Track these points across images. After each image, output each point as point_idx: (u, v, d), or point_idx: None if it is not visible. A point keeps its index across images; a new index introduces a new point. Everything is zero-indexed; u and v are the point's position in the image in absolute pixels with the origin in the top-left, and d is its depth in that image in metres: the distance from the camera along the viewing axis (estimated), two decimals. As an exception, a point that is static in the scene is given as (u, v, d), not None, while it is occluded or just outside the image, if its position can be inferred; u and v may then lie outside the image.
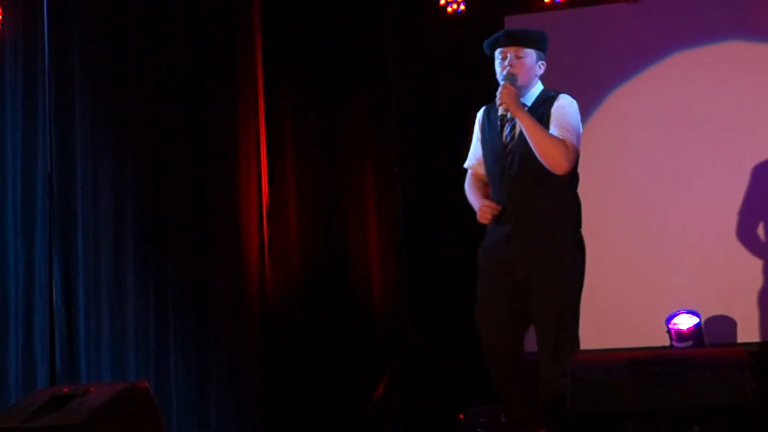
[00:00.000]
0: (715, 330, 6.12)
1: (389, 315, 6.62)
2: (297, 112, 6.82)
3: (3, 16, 6.67)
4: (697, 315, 5.96)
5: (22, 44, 6.63)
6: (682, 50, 6.45)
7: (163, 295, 6.42)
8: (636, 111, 6.49)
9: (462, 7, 6.68)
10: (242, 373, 6.36)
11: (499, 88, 4.39)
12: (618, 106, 6.53)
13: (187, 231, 6.46)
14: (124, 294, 6.43)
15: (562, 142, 4.32)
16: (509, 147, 4.41)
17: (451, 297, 6.47)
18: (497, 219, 4.41)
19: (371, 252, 6.75)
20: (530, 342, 4.51)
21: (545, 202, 4.37)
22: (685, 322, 5.94)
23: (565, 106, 4.41)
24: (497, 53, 4.48)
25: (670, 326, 5.95)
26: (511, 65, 4.42)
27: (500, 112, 4.38)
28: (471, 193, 4.60)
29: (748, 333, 6.16)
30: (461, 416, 5.79)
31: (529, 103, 4.44)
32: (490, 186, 4.53)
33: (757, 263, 6.19)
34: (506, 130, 4.43)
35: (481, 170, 4.58)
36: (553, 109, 4.40)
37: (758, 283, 6.18)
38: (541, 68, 4.51)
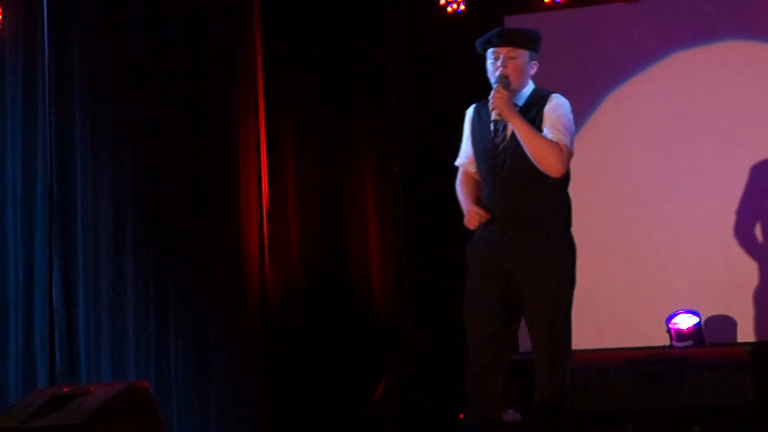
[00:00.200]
0: (715, 330, 6.12)
1: (389, 315, 6.62)
2: (297, 112, 6.82)
3: (3, 16, 6.67)
4: (697, 315, 5.96)
5: (22, 44, 6.63)
6: (682, 50, 6.45)
7: (163, 295, 6.42)
8: (635, 111, 6.49)
9: (462, 7, 6.68)
10: (242, 373, 6.36)
11: (492, 92, 4.36)
12: (617, 106, 6.53)
13: (187, 231, 6.46)
14: (124, 294, 6.43)
15: (556, 145, 4.30)
16: (501, 147, 4.39)
17: (450, 297, 6.44)
18: (491, 218, 4.38)
19: (371, 252, 6.75)
20: (524, 343, 4.50)
21: (537, 202, 4.34)
22: (685, 322, 5.94)
23: (559, 107, 4.39)
24: (489, 52, 4.45)
25: (670, 326, 5.95)
26: (503, 66, 4.39)
27: (493, 117, 4.35)
28: (461, 193, 4.57)
29: (748, 333, 6.16)
30: (461, 416, 5.78)
31: (520, 103, 4.41)
32: (482, 185, 4.50)
33: (757, 263, 6.19)
34: (498, 131, 4.39)
35: (473, 168, 4.55)
36: (546, 111, 4.37)
37: (758, 282, 6.18)
38: (533, 68, 4.48)
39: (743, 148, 6.27)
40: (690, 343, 5.88)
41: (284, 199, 6.71)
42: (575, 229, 6.40)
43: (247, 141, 6.53)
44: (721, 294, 6.23)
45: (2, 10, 6.67)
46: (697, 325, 5.94)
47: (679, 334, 5.91)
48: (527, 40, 4.45)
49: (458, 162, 4.64)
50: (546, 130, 4.33)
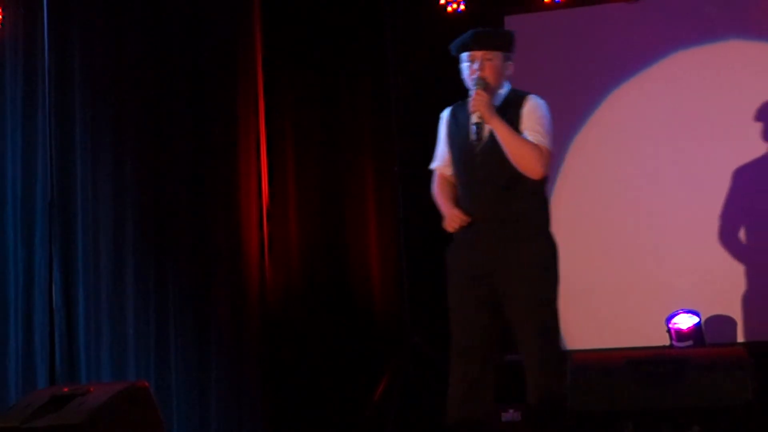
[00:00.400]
0: (715, 330, 6.12)
1: (389, 315, 6.62)
2: (297, 112, 6.82)
3: (3, 16, 6.67)
4: (697, 315, 5.96)
5: (22, 44, 6.64)
6: (682, 50, 6.45)
7: (163, 295, 6.42)
8: (635, 111, 6.49)
9: (462, 6, 6.68)
10: (242, 373, 6.36)
11: (471, 94, 4.36)
12: (617, 106, 6.53)
13: (187, 231, 6.46)
14: (124, 294, 6.43)
15: (536, 147, 4.30)
16: (478, 149, 4.37)
17: (450, 297, 6.46)
18: (471, 221, 4.37)
19: (371, 252, 6.75)
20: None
21: (516, 203, 4.33)
22: (685, 321, 5.94)
23: (537, 108, 4.39)
24: (464, 56, 4.45)
25: (670, 326, 5.95)
26: (480, 69, 4.39)
27: (474, 119, 4.34)
28: (439, 196, 4.55)
29: (748, 333, 6.16)
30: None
31: (497, 104, 4.39)
32: (460, 186, 4.48)
33: (757, 263, 6.19)
34: (474, 132, 4.38)
35: (449, 171, 4.54)
36: (524, 112, 4.36)
37: (758, 282, 6.18)
38: (509, 69, 4.47)
39: (743, 147, 6.27)
40: (690, 343, 5.88)
41: (284, 199, 6.71)
42: (576, 229, 6.40)
43: (247, 141, 6.53)
44: (721, 294, 6.23)
45: (2, 10, 6.67)
46: (697, 325, 5.94)
47: (679, 334, 5.91)
48: (502, 42, 4.45)
49: (433, 165, 4.61)
50: (526, 132, 4.33)
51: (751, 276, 6.19)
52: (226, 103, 6.54)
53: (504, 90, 4.45)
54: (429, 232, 6.71)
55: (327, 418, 6.39)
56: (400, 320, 6.40)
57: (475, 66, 4.39)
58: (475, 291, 4.37)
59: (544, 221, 4.40)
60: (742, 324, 6.19)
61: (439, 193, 4.55)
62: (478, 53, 4.40)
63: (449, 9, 6.70)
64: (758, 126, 6.27)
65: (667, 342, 5.97)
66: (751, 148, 6.26)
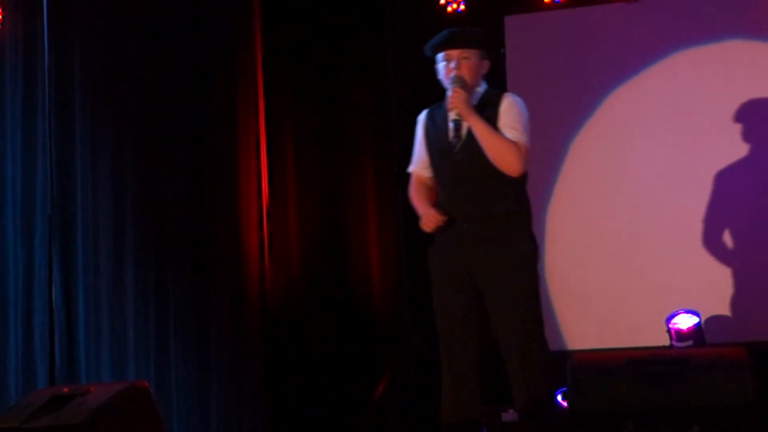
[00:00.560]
0: (715, 330, 6.12)
1: (389, 315, 6.62)
2: (297, 112, 6.82)
3: (3, 16, 6.67)
4: (697, 315, 5.96)
5: (22, 44, 6.64)
6: (682, 50, 6.45)
7: (163, 295, 6.42)
8: (635, 111, 6.48)
9: (462, 6, 6.68)
10: (242, 373, 6.36)
11: (449, 92, 4.37)
12: (618, 106, 6.53)
13: (187, 231, 6.46)
14: (124, 294, 6.44)
15: (514, 144, 4.31)
16: (457, 147, 4.38)
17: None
18: (450, 220, 4.37)
19: (371, 252, 6.75)
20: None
21: (497, 202, 4.34)
22: (685, 321, 5.94)
23: (515, 106, 4.39)
24: (440, 56, 4.46)
25: (670, 326, 5.94)
26: (457, 68, 4.39)
27: (452, 116, 4.35)
28: (415, 197, 4.55)
29: (748, 333, 6.16)
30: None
31: (474, 102, 4.40)
32: (440, 188, 4.48)
33: (758, 263, 6.19)
34: (453, 130, 4.38)
35: (426, 174, 4.55)
36: (501, 110, 4.37)
37: (758, 282, 6.18)
38: (485, 67, 4.48)
39: (744, 147, 6.27)
40: (690, 343, 5.88)
41: (284, 199, 6.71)
42: (576, 229, 6.40)
43: (247, 141, 6.53)
44: (721, 294, 6.23)
45: (2, 10, 6.67)
46: (697, 325, 5.93)
47: (679, 334, 5.91)
48: (477, 40, 4.46)
49: (411, 168, 4.63)
50: (504, 130, 4.33)
51: (751, 276, 6.19)
52: (226, 103, 6.54)
53: (481, 88, 4.47)
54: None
55: (327, 418, 6.39)
56: (400, 320, 6.40)
57: (452, 65, 4.40)
58: (460, 293, 4.37)
59: (526, 219, 4.41)
60: (742, 324, 6.19)
61: (414, 194, 4.56)
62: (455, 52, 4.41)
63: (449, 9, 6.70)
64: (758, 126, 6.27)
65: (667, 342, 5.96)
66: (752, 148, 6.26)
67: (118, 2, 6.61)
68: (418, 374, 6.03)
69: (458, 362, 4.36)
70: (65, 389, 4.66)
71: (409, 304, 6.34)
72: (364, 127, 6.85)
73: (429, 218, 4.38)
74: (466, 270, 4.35)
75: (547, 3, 6.62)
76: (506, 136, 4.31)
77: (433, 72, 6.92)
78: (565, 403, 5.42)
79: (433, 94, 6.77)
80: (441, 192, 4.47)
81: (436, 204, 4.46)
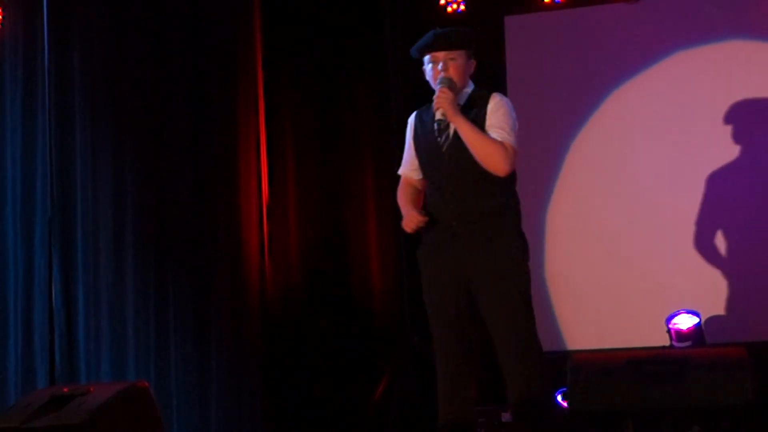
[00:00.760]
0: (715, 330, 6.12)
1: (389, 315, 6.62)
2: (297, 112, 6.82)
3: (3, 16, 6.67)
4: (697, 315, 5.96)
5: (22, 44, 6.64)
6: (682, 50, 6.45)
7: (163, 295, 6.42)
8: (636, 111, 6.49)
9: (462, 7, 6.68)
10: (242, 373, 6.36)
11: (436, 93, 4.36)
12: (618, 105, 6.53)
13: (187, 231, 6.46)
14: (124, 294, 6.44)
15: (501, 144, 4.29)
16: (445, 147, 4.37)
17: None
18: (438, 220, 4.36)
19: (371, 252, 6.75)
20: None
21: (485, 201, 4.32)
22: (685, 322, 5.94)
23: (502, 106, 4.37)
24: (427, 58, 4.44)
25: (670, 326, 5.94)
26: (444, 69, 4.37)
27: (438, 116, 4.33)
28: (400, 198, 4.54)
29: (748, 333, 6.16)
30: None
31: (462, 102, 4.39)
32: (430, 188, 4.48)
33: (757, 262, 6.19)
34: (441, 130, 4.35)
35: (415, 176, 4.54)
36: (489, 110, 4.35)
37: (758, 282, 6.18)
38: (471, 67, 4.46)
39: (744, 147, 6.27)
40: (690, 343, 5.88)
41: (284, 199, 6.71)
42: (576, 229, 6.40)
43: (247, 141, 6.53)
44: (721, 294, 6.23)
45: (2, 10, 6.67)
46: (697, 325, 5.93)
47: (679, 334, 5.91)
48: (463, 41, 4.44)
49: (400, 171, 4.62)
50: (490, 130, 4.32)
51: (750, 276, 6.19)
52: (226, 103, 6.54)
53: (468, 89, 4.45)
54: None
55: (327, 418, 6.39)
56: (400, 320, 6.40)
57: (439, 67, 4.39)
58: (451, 292, 4.36)
59: (516, 219, 4.39)
60: (742, 324, 6.19)
61: (400, 195, 4.56)
62: (441, 54, 4.40)
63: (449, 9, 6.71)
64: (759, 126, 6.27)
65: (667, 342, 5.96)
66: (752, 148, 6.26)
67: (118, 2, 6.61)
68: (418, 374, 6.03)
69: (453, 361, 4.36)
70: (65, 389, 4.67)
71: (409, 304, 6.34)
72: (364, 127, 6.85)
73: (410, 219, 4.38)
74: (457, 268, 4.34)
75: (547, 3, 6.62)
76: (493, 136, 4.30)
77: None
78: (565, 403, 5.43)
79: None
80: (431, 192, 4.47)
81: (423, 206, 4.46)
